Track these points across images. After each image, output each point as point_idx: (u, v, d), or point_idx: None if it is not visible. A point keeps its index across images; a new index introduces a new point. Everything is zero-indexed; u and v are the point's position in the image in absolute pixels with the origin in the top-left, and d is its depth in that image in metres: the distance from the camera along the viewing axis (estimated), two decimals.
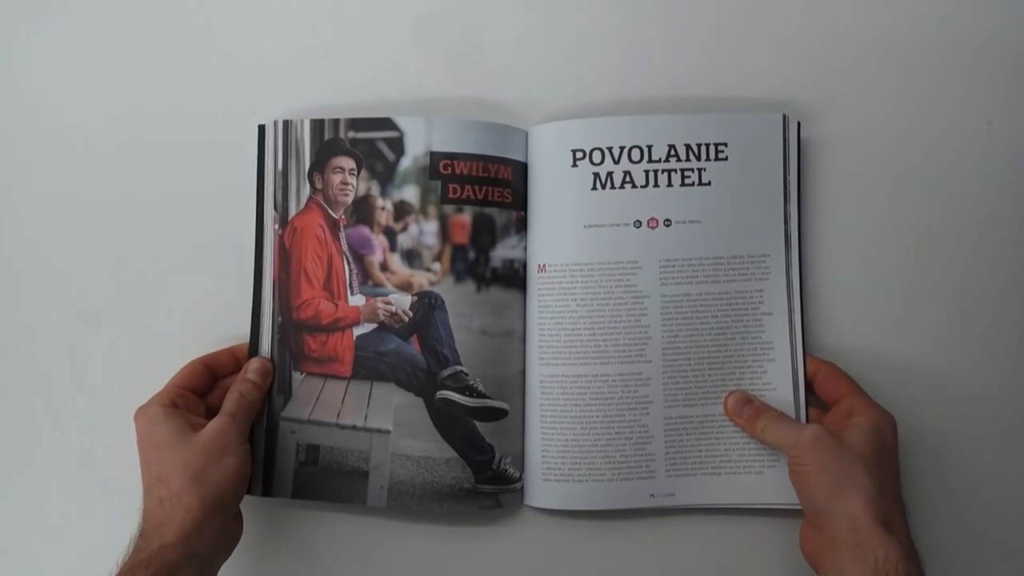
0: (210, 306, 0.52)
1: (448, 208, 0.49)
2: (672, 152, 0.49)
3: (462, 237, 0.50)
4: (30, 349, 0.54)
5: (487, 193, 0.49)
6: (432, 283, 0.50)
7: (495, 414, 0.49)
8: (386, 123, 0.49)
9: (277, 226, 0.51)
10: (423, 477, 0.49)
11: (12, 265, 0.54)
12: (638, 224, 0.49)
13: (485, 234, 0.50)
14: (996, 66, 0.51)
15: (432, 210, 0.49)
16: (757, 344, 0.49)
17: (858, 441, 0.43)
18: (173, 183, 0.53)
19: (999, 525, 0.50)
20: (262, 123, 0.51)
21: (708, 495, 0.49)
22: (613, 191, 0.49)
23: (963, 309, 0.51)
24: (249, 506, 0.48)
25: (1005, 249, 0.51)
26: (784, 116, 0.49)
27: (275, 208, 0.51)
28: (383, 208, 0.50)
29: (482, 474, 0.49)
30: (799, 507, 0.46)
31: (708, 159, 0.49)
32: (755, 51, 0.53)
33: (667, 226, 0.49)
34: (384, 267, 0.50)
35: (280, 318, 0.50)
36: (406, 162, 0.49)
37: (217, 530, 0.43)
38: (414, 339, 0.50)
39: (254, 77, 0.54)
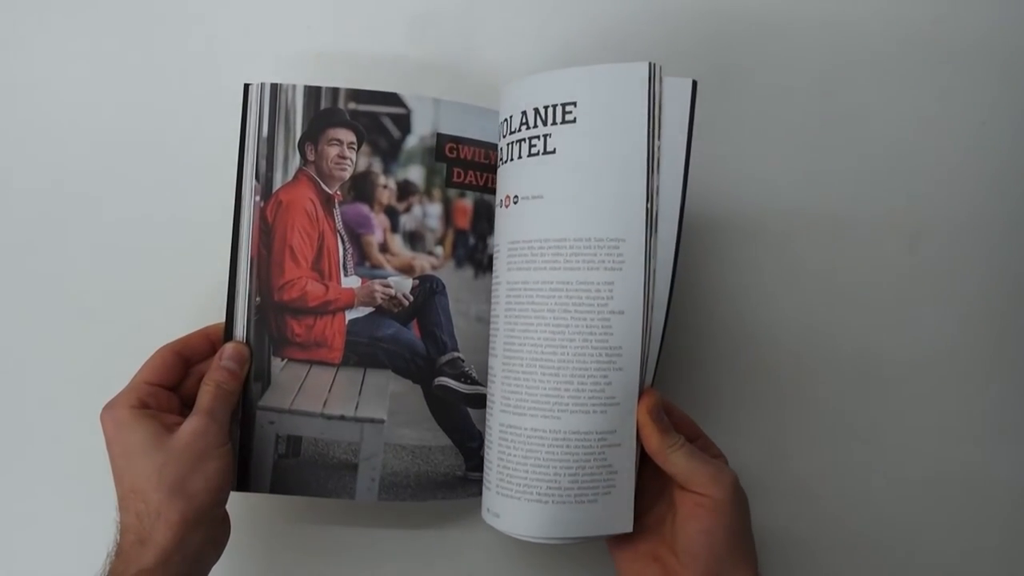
0: (189, 285, 0.48)
1: (452, 192, 0.49)
2: (523, 120, 0.43)
3: (464, 222, 0.49)
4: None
5: (487, 180, 0.49)
6: (434, 267, 0.48)
7: (484, 401, 0.49)
8: (392, 98, 0.47)
9: (258, 197, 0.46)
10: (418, 467, 0.48)
11: None
12: (500, 204, 0.45)
13: (484, 221, 0.50)
14: (989, 67, 0.52)
15: (437, 192, 0.48)
16: (603, 349, 0.41)
17: (745, 493, 0.40)
18: (163, 185, 0.52)
19: None
20: (248, 82, 0.46)
21: (531, 526, 0.42)
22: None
23: (958, 309, 0.51)
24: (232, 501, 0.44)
25: (999, 249, 0.51)
26: (651, 65, 0.40)
27: (256, 178, 0.46)
28: (385, 186, 0.47)
29: (471, 461, 0.49)
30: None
31: (554, 123, 0.42)
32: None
33: (515, 203, 0.43)
34: (384, 248, 0.48)
35: (258, 299, 0.46)
36: (412, 141, 0.48)
37: (200, 543, 0.40)
38: (414, 324, 0.48)
39: (248, 74, 0.49)
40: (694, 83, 0.41)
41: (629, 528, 0.42)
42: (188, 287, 0.50)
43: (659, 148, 0.41)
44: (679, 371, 0.51)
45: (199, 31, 0.52)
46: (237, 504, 0.45)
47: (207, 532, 0.40)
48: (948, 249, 0.52)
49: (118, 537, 0.38)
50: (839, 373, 0.52)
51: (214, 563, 0.42)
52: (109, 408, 0.41)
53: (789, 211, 0.52)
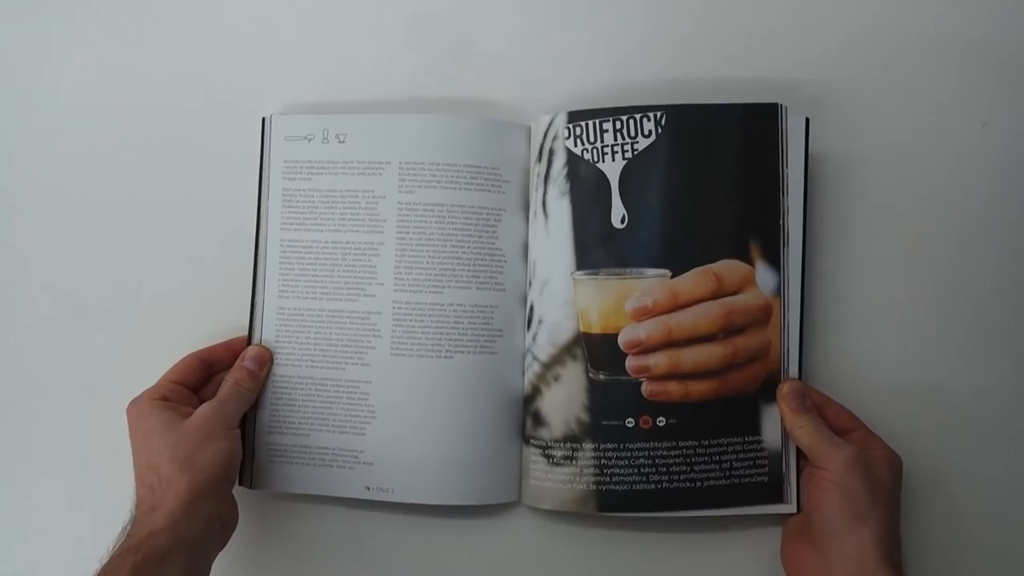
0: (211, 297, 0.52)
1: None
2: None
3: None
4: (24, 341, 0.54)
5: None
6: None
7: None
8: None
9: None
10: None
11: (8, 258, 0.55)
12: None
13: None
14: (991, 68, 0.51)
15: None
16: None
17: (883, 473, 0.43)
18: (168, 179, 0.54)
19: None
20: (265, 115, 0.51)
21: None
22: None
23: (958, 311, 0.50)
24: (244, 498, 0.48)
25: (1000, 251, 0.50)
26: (780, 105, 0.47)
27: None
28: None
29: None
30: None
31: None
32: (748, 48, 0.52)
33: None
34: None
35: None
36: None
37: (207, 516, 0.43)
38: None
39: (248, 75, 0.54)
40: (807, 120, 0.48)
41: (785, 502, 0.47)
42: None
43: (787, 175, 0.47)
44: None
45: (202, 34, 0.55)
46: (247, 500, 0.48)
47: (213, 508, 0.43)
48: (949, 252, 0.50)
49: (133, 511, 0.43)
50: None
51: (220, 545, 0.45)
52: (134, 401, 0.47)
53: None
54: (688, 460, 0.47)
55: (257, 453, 0.49)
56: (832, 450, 0.43)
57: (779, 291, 0.47)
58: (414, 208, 0.49)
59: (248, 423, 0.49)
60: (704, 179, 0.47)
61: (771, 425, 0.47)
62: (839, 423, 0.46)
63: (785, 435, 0.47)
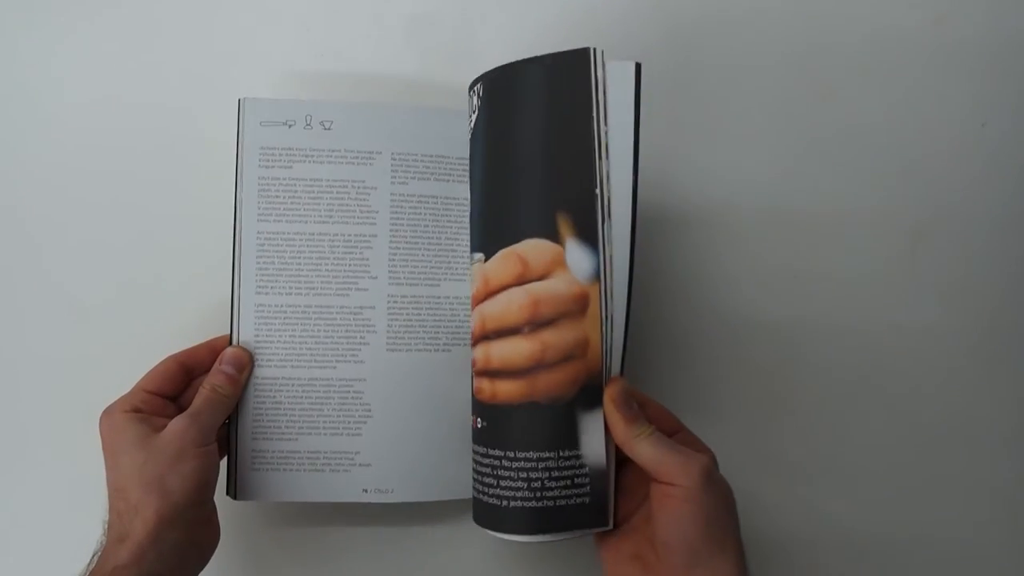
0: (214, 295, 0.49)
1: None
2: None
3: None
4: (23, 339, 0.52)
5: None
6: None
7: None
8: None
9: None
10: None
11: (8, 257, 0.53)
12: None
13: None
14: (991, 68, 0.51)
15: None
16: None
17: (723, 480, 0.38)
18: (167, 178, 0.53)
19: None
20: (241, 96, 0.48)
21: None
22: None
23: (958, 312, 0.51)
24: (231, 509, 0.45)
25: (1000, 251, 0.51)
26: (593, 50, 0.39)
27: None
28: None
29: None
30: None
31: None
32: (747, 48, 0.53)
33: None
34: None
35: None
36: None
37: (177, 544, 0.40)
38: None
39: (248, 74, 0.53)
40: (638, 66, 0.39)
41: (608, 525, 0.40)
42: (194, 292, 0.51)
43: (606, 134, 0.39)
44: (658, 368, 0.51)
45: (199, 33, 0.54)
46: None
47: (186, 532, 0.40)
48: (947, 250, 0.51)
49: (103, 537, 0.40)
50: (826, 371, 0.52)
51: (199, 568, 0.42)
52: (106, 412, 0.42)
53: (788, 209, 0.52)
54: (495, 473, 0.40)
55: (240, 461, 0.46)
56: (685, 463, 0.36)
57: (599, 276, 0.39)
58: (408, 200, 0.48)
59: (230, 430, 0.46)
60: (513, 149, 0.41)
61: (593, 437, 0.39)
62: (661, 427, 0.39)
63: (609, 447, 0.39)
